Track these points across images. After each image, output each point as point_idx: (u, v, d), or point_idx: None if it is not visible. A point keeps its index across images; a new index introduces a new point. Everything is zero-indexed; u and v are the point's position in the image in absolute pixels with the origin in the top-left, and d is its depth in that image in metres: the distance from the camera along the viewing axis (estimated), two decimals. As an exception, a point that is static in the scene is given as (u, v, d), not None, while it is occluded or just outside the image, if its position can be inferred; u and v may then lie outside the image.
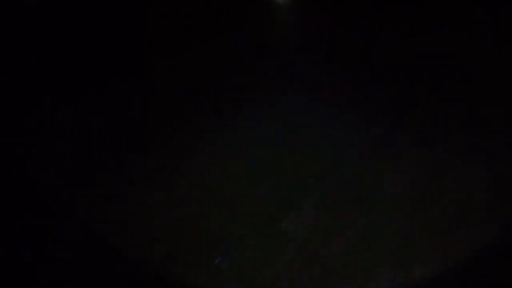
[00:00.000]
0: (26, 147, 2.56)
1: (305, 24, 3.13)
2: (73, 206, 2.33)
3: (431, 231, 2.27)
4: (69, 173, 2.46)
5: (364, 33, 2.96)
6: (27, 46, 2.85)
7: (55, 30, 2.90)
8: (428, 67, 2.85)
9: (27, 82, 2.77)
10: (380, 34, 2.96)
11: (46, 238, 2.21)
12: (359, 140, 2.62)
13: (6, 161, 2.47)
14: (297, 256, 2.24)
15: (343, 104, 2.76)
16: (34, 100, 2.72)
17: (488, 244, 2.17)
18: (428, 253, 2.20)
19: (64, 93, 2.76)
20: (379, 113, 2.70)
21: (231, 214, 2.37)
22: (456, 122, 2.64)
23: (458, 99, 2.73)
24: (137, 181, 2.47)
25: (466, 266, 2.11)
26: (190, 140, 2.64)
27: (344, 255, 2.23)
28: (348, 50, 2.90)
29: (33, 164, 2.49)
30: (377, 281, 2.13)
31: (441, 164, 2.50)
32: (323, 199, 2.40)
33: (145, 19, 3.00)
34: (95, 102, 2.73)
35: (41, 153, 2.55)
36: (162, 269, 2.15)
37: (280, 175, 2.52)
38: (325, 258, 2.22)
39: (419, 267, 2.15)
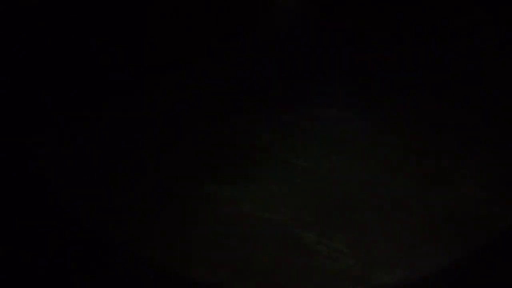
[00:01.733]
0: (40, 147, 2.56)
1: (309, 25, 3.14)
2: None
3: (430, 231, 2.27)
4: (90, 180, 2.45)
5: (366, 35, 2.97)
6: (41, 46, 2.85)
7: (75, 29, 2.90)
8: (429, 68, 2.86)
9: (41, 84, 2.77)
10: (383, 34, 2.97)
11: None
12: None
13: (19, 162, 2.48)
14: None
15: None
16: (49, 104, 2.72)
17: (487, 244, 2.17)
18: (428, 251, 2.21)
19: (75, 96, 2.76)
20: (381, 114, 2.71)
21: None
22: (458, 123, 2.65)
23: (458, 99, 2.74)
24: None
25: (464, 266, 2.12)
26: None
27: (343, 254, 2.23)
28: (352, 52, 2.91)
29: (46, 165, 2.49)
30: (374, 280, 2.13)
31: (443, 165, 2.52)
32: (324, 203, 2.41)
33: (144, 18, 3.01)
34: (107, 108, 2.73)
35: (55, 154, 2.55)
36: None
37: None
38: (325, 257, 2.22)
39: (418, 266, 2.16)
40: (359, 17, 3.01)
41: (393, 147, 2.59)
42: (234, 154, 2.61)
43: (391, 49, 2.90)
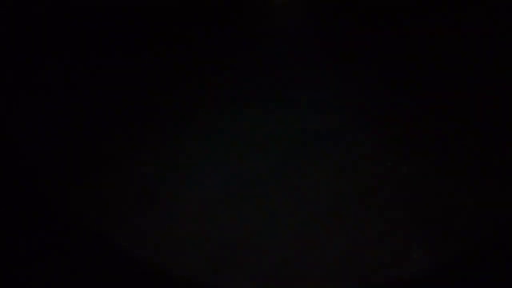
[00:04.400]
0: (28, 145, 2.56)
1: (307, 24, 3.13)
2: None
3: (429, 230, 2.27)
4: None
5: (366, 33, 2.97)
6: (27, 43, 2.85)
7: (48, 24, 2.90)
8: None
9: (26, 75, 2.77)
10: (383, 33, 2.96)
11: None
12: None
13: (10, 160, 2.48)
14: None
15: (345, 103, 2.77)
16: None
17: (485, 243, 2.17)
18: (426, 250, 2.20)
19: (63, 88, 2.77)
20: (379, 116, 2.71)
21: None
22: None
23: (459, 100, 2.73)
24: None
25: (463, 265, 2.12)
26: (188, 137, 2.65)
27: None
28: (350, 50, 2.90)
29: (35, 162, 2.49)
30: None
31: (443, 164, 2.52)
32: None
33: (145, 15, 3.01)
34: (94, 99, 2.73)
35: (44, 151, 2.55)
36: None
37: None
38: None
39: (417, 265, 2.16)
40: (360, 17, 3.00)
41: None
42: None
43: (392, 48, 2.90)
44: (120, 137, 2.63)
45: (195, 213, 2.31)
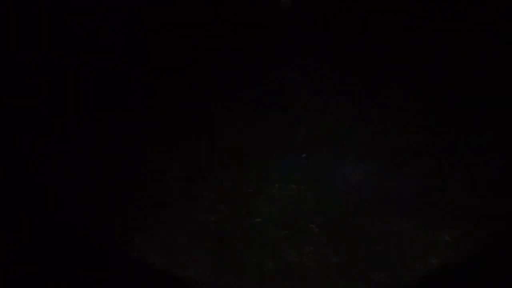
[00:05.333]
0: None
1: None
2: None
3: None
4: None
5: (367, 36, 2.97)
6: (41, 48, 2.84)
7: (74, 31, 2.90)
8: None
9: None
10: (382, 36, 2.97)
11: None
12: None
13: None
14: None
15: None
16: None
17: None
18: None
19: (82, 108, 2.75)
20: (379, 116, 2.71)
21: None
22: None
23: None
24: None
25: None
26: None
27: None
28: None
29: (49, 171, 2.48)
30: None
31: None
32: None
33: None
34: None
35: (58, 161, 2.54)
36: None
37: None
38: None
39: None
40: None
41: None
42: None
43: (392, 51, 2.90)
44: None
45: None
